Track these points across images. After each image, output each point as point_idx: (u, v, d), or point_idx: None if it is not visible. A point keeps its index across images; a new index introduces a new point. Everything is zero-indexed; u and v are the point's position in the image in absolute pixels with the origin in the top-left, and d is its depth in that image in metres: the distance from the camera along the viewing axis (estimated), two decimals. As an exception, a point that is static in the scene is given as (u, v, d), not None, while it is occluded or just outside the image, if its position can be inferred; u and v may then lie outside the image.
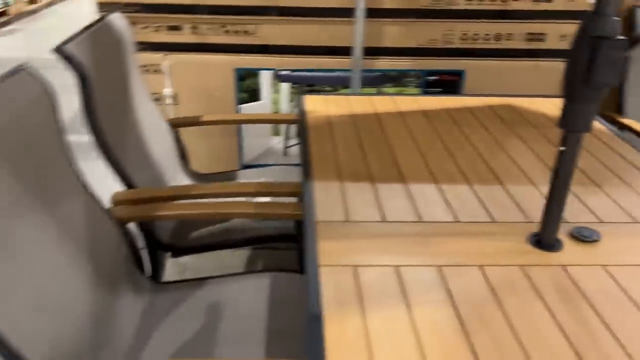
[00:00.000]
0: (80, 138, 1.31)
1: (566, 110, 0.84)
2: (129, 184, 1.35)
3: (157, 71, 2.05)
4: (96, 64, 1.25)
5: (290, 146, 2.22)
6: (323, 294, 0.83)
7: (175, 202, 1.31)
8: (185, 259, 1.95)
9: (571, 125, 0.85)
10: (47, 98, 1.02)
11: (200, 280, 1.28)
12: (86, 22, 1.34)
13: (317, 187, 1.16)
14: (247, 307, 1.20)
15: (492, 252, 0.94)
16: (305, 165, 1.25)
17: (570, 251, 0.95)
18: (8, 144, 0.90)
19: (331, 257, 0.92)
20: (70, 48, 1.18)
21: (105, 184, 1.32)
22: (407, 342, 0.74)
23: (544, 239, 0.95)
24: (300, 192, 1.36)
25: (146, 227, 1.38)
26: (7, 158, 0.88)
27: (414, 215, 1.05)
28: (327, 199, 1.11)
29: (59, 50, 1.15)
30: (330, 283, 0.85)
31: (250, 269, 1.59)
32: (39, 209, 0.95)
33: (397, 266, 0.90)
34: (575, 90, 0.82)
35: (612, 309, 0.81)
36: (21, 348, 0.81)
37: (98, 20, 1.40)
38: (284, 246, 1.71)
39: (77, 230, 1.05)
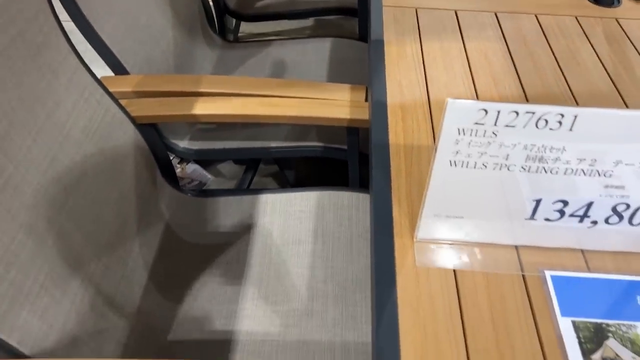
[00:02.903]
0: None
1: None
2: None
3: None
4: None
5: None
6: (384, 26, 0.91)
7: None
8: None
9: None
10: None
11: (266, 42, 1.38)
12: None
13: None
14: (308, 67, 1.30)
15: (549, 4, 0.98)
16: None
17: (627, 8, 0.97)
18: None
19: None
20: None
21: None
22: (459, 63, 0.83)
23: (604, -5, 0.97)
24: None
25: (215, -9, 1.45)
26: None
27: (477, -28, 1.07)
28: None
29: None
30: (391, 19, 0.93)
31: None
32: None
33: (456, 10, 0.96)
34: None
35: (656, 53, 0.87)
36: (120, 57, 0.96)
37: None
38: (344, 19, 1.76)
39: (157, -28, 1.13)
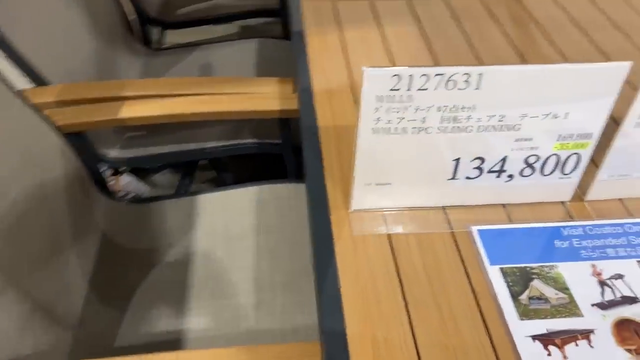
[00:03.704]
0: None
1: None
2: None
3: None
4: None
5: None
6: (305, 20, 0.93)
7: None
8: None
9: None
10: None
11: (191, 47, 1.38)
12: None
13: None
14: (236, 68, 1.31)
15: (457, -11, 1.04)
16: None
17: (528, -12, 1.05)
18: None
19: (311, -7, 1.01)
20: None
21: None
22: (379, 48, 0.87)
23: (506, -22, 1.04)
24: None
25: (135, 1, 1.43)
26: None
27: (389, -37, 1.12)
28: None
29: None
30: (311, 12, 0.95)
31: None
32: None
33: (372, -1, 1.00)
34: None
35: (555, 27, 0.93)
36: (39, 68, 0.93)
37: None
38: (268, 20, 1.79)
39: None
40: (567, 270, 0.54)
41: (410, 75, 0.48)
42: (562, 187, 0.60)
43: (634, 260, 0.55)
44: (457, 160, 0.55)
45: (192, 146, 1.08)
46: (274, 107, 0.89)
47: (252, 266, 0.86)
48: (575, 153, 0.56)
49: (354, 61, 0.83)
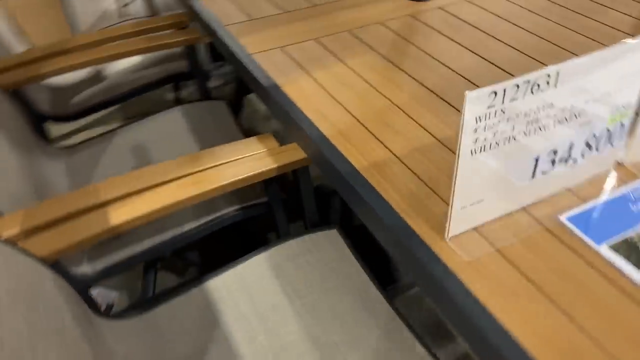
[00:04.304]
0: None
1: None
2: (-12, 54, 1.20)
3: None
4: None
5: (127, 4, 2.07)
6: (267, 71, 0.90)
7: (50, 60, 1.21)
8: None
9: None
10: None
11: (112, 132, 1.26)
12: None
13: (205, 3, 1.16)
14: (173, 141, 1.22)
15: (383, 11, 1.08)
16: (182, -12, 1.23)
17: (442, -3, 1.13)
18: None
19: (256, 46, 0.98)
20: None
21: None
22: (354, 80, 0.87)
23: (421, -8, 1.11)
24: (185, 21, 1.34)
25: (25, 101, 1.27)
26: None
27: (306, 2, 1.13)
28: (220, 8, 1.13)
29: None
30: (267, 63, 0.93)
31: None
32: None
33: (317, 38, 0.99)
34: None
35: (489, 26, 1.02)
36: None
37: None
38: (178, 85, 1.70)
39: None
40: (659, 228, 0.58)
41: (504, 89, 0.49)
42: (609, 157, 0.64)
43: (695, 202, 0.61)
44: (537, 158, 0.57)
45: (170, 234, 0.98)
46: (271, 165, 0.84)
47: (303, 334, 0.80)
48: (621, 124, 0.61)
49: (342, 98, 0.82)
